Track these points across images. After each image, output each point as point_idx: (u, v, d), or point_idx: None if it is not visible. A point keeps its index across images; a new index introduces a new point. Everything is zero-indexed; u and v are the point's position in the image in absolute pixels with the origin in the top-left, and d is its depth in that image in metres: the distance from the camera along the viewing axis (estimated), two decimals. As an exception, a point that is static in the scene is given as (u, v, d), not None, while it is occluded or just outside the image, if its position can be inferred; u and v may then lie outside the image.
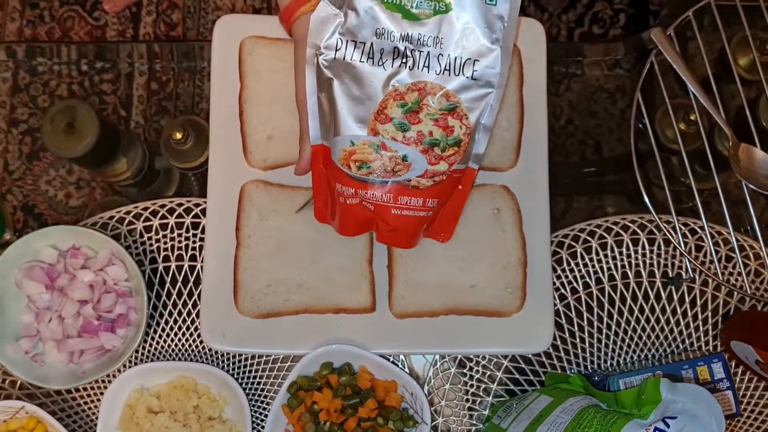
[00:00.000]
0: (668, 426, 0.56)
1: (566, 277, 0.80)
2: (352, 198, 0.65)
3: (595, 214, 0.88)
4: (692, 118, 0.79)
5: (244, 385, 0.78)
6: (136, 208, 0.80)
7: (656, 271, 0.80)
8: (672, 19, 0.79)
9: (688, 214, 0.82)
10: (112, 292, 0.76)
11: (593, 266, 0.80)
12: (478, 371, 0.79)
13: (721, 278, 0.77)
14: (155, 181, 0.89)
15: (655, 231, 0.80)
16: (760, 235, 0.76)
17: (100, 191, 0.91)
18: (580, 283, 0.80)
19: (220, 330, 0.73)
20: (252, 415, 0.76)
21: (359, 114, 0.63)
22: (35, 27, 1.22)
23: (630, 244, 0.80)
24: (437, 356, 0.79)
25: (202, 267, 0.78)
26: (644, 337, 0.80)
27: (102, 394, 0.78)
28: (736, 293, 0.80)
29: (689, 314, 0.80)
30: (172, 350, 0.79)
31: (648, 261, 0.80)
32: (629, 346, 0.80)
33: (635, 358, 0.80)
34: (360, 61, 0.63)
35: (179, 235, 0.80)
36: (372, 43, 0.62)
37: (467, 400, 0.79)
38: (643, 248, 0.80)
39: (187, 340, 0.80)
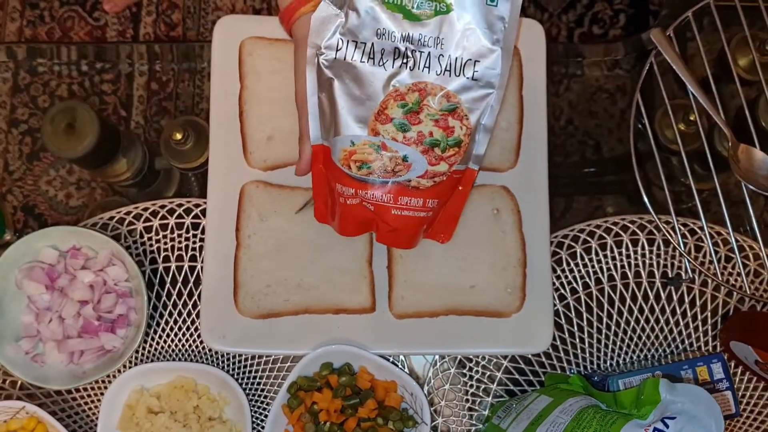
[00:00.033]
0: (667, 426, 0.56)
1: (566, 277, 0.80)
2: (352, 198, 0.65)
3: (594, 215, 0.88)
4: (692, 118, 0.79)
5: (244, 386, 0.78)
6: (137, 208, 0.80)
7: (656, 272, 0.80)
8: (672, 20, 0.79)
9: (688, 214, 0.82)
10: (112, 293, 0.76)
11: (593, 267, 0.80)
12: (477, 371, 0.79)
13: (720, 278, 0.77)
14: (155, 182, 0.89)
15: (655, 231, 0.80)
16: (760, 236, 0.76)
17: (100, 191, 0.91)
18: (579, 283, 0.80)
19: (220, 330, 0.73)
20: (252, 416, 0.76)
21: (360, 114, 0.63)
22: (35, 27, 1.22)
23: (629, 245, 0.80)
24: (437, 356, 0.79)
25: (202, 267, 0.78)
26: (644, 338, 0.80)
27: (102, 394, 0.78)
28: (735, 293, 0.80)
29: (689, 314, 0.80)
30: (172, 351, 0.80)
31: (647, 261, 0.80)
32: (629, 346, 0.80)
33: (635, 358, 0.80)
34: (361, 62, 0.63)
35: (179, 235, 0.80)
36: (373, 44, 0.62)
37: (467, 401, 0.79)
38: (643, 249, 0.80)
39: (187, 340, 0.80)
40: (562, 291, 0.80)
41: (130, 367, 0.76)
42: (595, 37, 1.18)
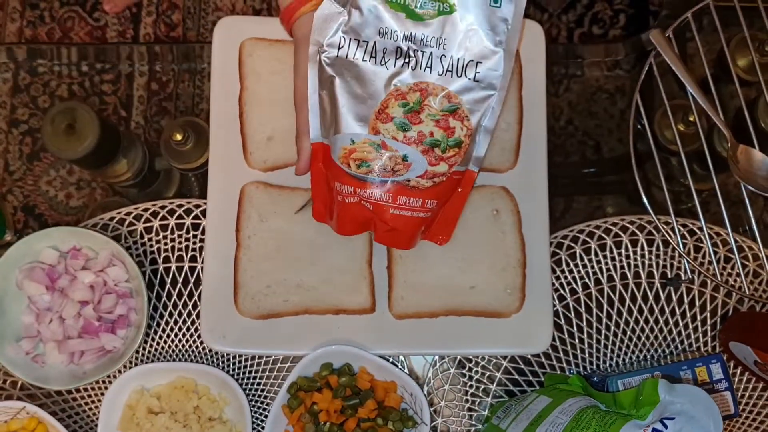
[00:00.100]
0: (666, 427, 0.56)
1: (565, 278, 0.80)
2: (351, 197, 0.65)
3: (594, 215, 0.88)
4: (691, 119, 0.80)
5: (244, 386, 0.78)
6: (137, 209, 0.80)
7: (655, 272, 0.81)
8: (671, 20, 0.79)
9: (687, 215, 0.82)
10: (112, 293, 0.76)
11: (592, 267, 0.80)
12: (477, 372, 0.79)
13: (719, 279, 0.78)
14: (155, 182, 0.89)
15: (654, 232, 0.80)
16: (759, 236, 0.76)
17: (100, 192, 0.91)
18: (579, 284, 0.80)
19: (220, 331, 0.73)
20: (252, 416, 0.76)
21: (360, 112, 0.63)
22: (35, 27, 1.22)
23: (629, 245, 0.81)
24: (437, 357, 0.79)
25: (202, 268, 0.79)
26: (643, 338, 0.80)
27: (102, 394, 0.78)
28: (734, 294, 0.80)
29: (688, 315, 0.80)
30: (173, 351, 0.80)
31: (647, 262, 0.81)
32: (628, 346, 0.80)
33: (634, 358, 0.80)
34: (363, 60, 0.63)
35: (179, 236, 0.80)
36: (375, 42, 0.62)
37: (467, 401, 0.79)
38: (642, 249, 0.81)
39: (187, 340, 0.80)
40: (562, 291, 0.80)
41: (130, 368, 0.77)
42: (595, 38, 1.18)
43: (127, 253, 0.75)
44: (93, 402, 0.80)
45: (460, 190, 0.69)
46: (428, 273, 0.74)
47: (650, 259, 0.81)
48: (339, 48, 0.63)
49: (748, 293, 0.77)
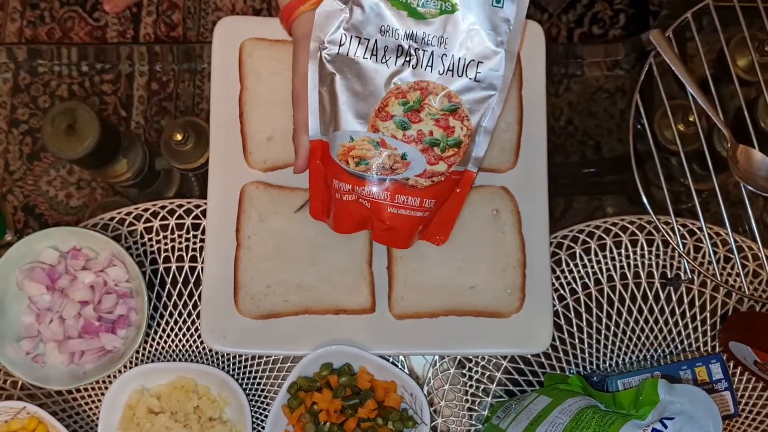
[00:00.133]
0: (666, 427, 0.56)
1: (565, 278, 0.80)
2: (349, 194, 0.65)
3: (594, 215, 0.88)
4: (691, 119, 0.80)
5: (244, 386, 0.78)
6: (137, 209, 0.80)
7: (655, 272, 0.81)
8: (671, 20, 0.79)
9: (687, 214, 0.82)
10: (112, 293, 0.76)
11: (592, 267, 0.80)
12: (477, 372, 0.79)
13: (719, 279, 0.78)
14: (156, 182, 0.89)
15: (654, 232, 0.80)
16: (759, 236, 0.76)
17: (100, 192, 0.91)
18: (578, 284, 0.80)
19: (221, 331, 0.74)
20: (252, 416, 0.76)
21: (360, 110, 0.63)
22: (35, 28, 1.22)
23: (629, 245, 0.81)
24: (437, 357, 0.79)
25: (202, 268, 0.79)
26: (643, 338, 0.80)
27: (103, 394, 0.78)
28: (734, 294, 0.80)
29: (687, 315, 0.80)
30: (173, 351, 0.80)
31: (647, 262, 0.81)
32: (628, 346, 0.80)
33: (634, 358, 0.80)
34: (363, 58, 0.63)
35: (179, 236, 0.80)
36: (376, 40, 0.62)
37: (466, 401, 0.79)
38: (642, 249, 0.81)
39: (187, 340, 0.80)
40: (562, 291, 0.80)
41: (130, 368, 0.77)
42: (595, 37, 1.18)
43: (127, 253, 0.75)
44: (93, 402, 0.80)
45: (458, 190, 0.69)
46: (428, 273, 0.74)
47: (650, 259, 0.81)
48: (340, 45, 0.63)
49: (747, 293, 0.77)
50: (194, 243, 0.80)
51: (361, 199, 0.65)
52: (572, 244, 0.80)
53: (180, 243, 0.80)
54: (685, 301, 0.80)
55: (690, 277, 0.79)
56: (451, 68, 0.63)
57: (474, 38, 0.63)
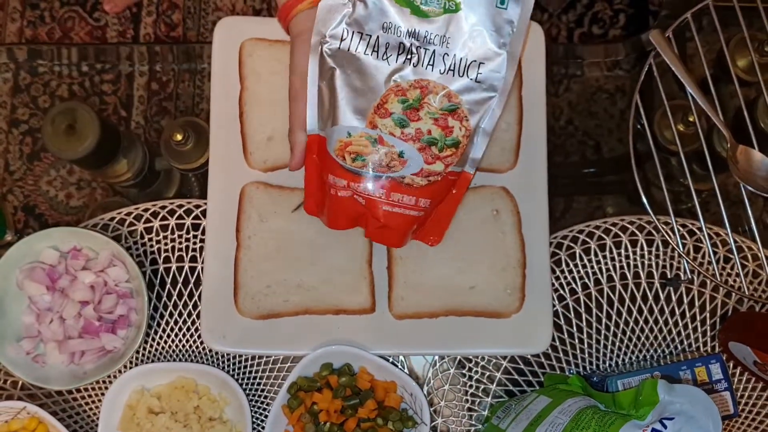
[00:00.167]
0: (665, 427, 0.57)
1: (565, 278, 0.80)
2: (344, 190, 0.65)
3: (594, 215, 0.88)
4: (691, 119, 0.80)
5: (244, 386, 0.79)
6: (137, 209, 0.80)
7: (654, 272, 0.81)
8: (671, 20, 0.79)
9: (687, 215, 0.82)
10: (112, 293, 0.76)
11: (592, 267, 0.80)
12: (477, 372, 0.79)
13: (719, 279, 0.78)
14: (156, 182, 0.90)
15: (654, 232, 0.80)
16: (758, 237, 0.76)
17: (100, 192, 0.91)
18: (578, 284, 0.80)
19: (221, 331, 0.74)
20: (252, 416, 0.76)
21: (359, 106, 0.63)
22: (36, 28, 1.22)
23: (629, 245, 0.81)
24: (437, 357, 0.79)
25: (202, 268, 0.79)
26: (642, 338, 0.80)
27: (103, 394, 0.78)
28: (734, 294, 0.80)
29: (687, 315, 0.80)
30: (173, 351, 0.80)
31: (646, 262, 0.81)
32: (627, 347, 0.80)
33: (633, 359, 0.80)
34: (365, 54, 0.62)
35: (180, 236, 0.80)
36: (378, 37, 0.62)
37: (466, 401, 0.79)
38: (642, 249, 0.81)
39: (187, 341, 0.80)
40: (562, 292, 0.80)
41: (130, 368, 0.77)
42: (594, 37, 1.18)
43: (127, 253, 0.75)
44: (93, 402, 0.80)
45: (454, 191, 0.69)
46: (428, 273, 0.74)
47: (650, 259, 0.81)
48: (341, 40, 0.63)
49: (747, 293, 0.77)
50: (194, 243, 0.80)
51: (356, 195, 0.65)
52: (572, 245, 0.80)
53: (180, 243, 0.80)
54: (685, 301, 0.80)
55: (690, 277, 0.79)
56: (452, 68, 0.62)
57: (476, 39, 0.62)
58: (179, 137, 0.81)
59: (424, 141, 0.63)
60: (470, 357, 0.79)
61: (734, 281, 0.81)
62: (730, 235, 0.76)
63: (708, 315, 0.80)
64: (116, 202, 0.89)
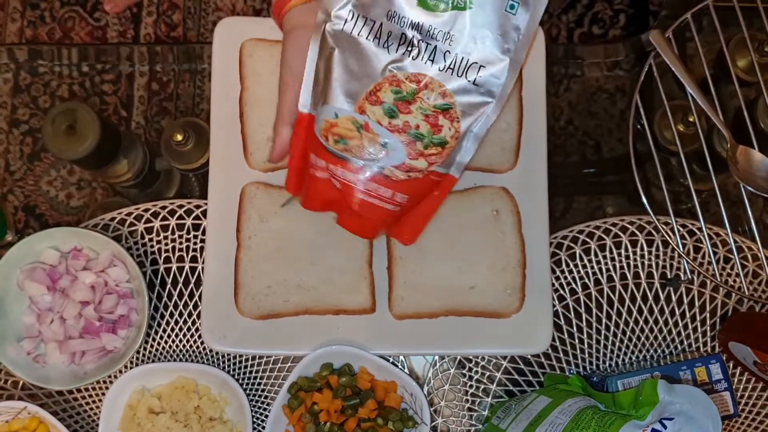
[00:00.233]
0: (665, 427, 0.57)
1: (565, 278, 0.80)
2: (322, 171, 0.64)
3: (594, 215, 0.88)
4: (691, 119, 0.79)
5: (244, 386, 0.79)
6: (137, 209, 0.80)
7: (654, 273, 0.81)
8: (671, 21, 0.79)
9: (687, 215, 0.82)
10: (113, 294, 0.76)
11: (592, 267, 0.80)
12: (477, 372, 0.79)
13: (719, 279, 0.78)
14: (156, 182, 0.90)
15: (654, 232, 0.80)
16: (758, 237, 0.76)
17: (101, 192, 0.91)
18: (578, 284, 0.80)
19: (221, 331, 0.74)
20: (252, 416, 0.76)
21: (352, 89, 0.62)
22: (36, 28, 1.22)
23: (629, 246, 0.81)
24: (437, 357, 0.79)
25: (202, 268, 0.79)
26: (642, 338, 0.80)
27: (103, 394, 0.78)
28: (734, 294, 0.80)
29: (687, 315, 0.80)
30: (173, 351, 0.80)
31: (646, 262, 0.81)
32: (627, 347, 0.80)
33: (633, 359, 0.80)
34: (366, 39, 0.61)
35: (180, 236, 0.81)
36: (381, 24, 0.61)
37: (467, 401, 0.80)
38: (642, 249, 0.81)
39: (188, 341, 0.80)
40: (562, 292, 0.80)
41: (131, 368, 0.77)
42: (595, 37, 1.18)
43: (127, 253, 0.75)
44: (94, 402, 0.80)
45: (436, 193, 0.67)
46: (428, 273, 0.74)
47: (650, 259, 0.81)
48: (345, 22, 0.62)
49: (747, 294, 0.77)
50: (195, 243, 0.80)
51: (333, 178, 0.64)
52: (572, 245, 0.81)
53: (180, 243, 0.80)
54: (685, 301, 0.80)
55: (690, 277, 0.79)
56: (451, 66, 0.61)
57: (480, 41, 0.61)
58: (179, 137, 0.81)
59: (411, 135, 0.62)
60: (470, 357, 0.79)
61: (734, 281, 0.81)
62: (730, 235, 0.76)
63: (708, 315, 0.80)
64: (117, 203, 0.89)
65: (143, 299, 0.75)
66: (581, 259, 0.80)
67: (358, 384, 0.75)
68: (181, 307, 0.80)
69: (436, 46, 0.61)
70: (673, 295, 0.81)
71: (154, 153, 0.88)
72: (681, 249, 0.78)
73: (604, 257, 0.81)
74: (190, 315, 0.80)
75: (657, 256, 0.81)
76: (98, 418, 0.76)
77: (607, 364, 0.80)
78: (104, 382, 0.79)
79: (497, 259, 0.75)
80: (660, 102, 0.79)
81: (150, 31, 1.22)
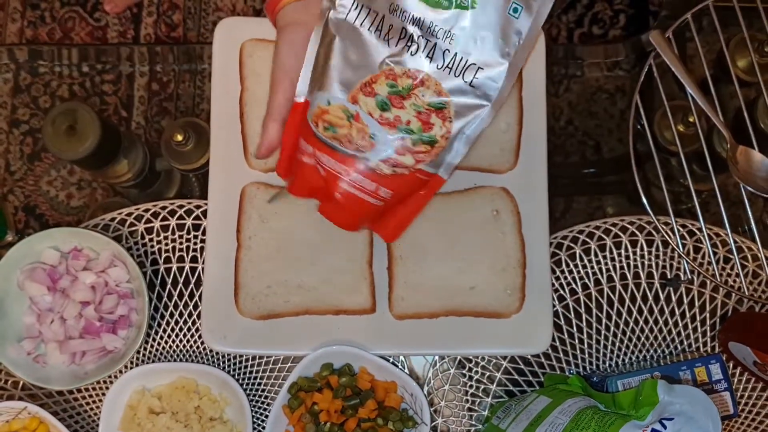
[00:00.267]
0: (665, 427, 0.57)
1: (565, 278, 0.80)
2: (309, 157, 0.64)
3: (594, 215, 0.88)
4: (691, 119, 0.80)
5: (244, 386, 0.79)
6: (138, 209, 0.80)
7: (654, 273, 0.81)
8: (671, 21, 0.79)
9: (687, 215, 0.82)
10: (113, 294, 0.76)
11: (592, 268, 0.80)
12: (477, 372, 0.79)
13: (719, 280, 0.78)
14: (156, 183, 0.90)
15: (654, 232, 0.81)
16: (758, 237, 0.76)
17: (101, 192, 0.91)
18: (578, 284, 0.80)
19: (221, 331, 0.74)
20: (253, 416, 0.76)
21: (348, 78, 0.62)
22: (36, 28, 1.22)
23: (629, 246, 0.81)
24: (437, 357, 0.79)
25: (203, 268, 0.79)
26: (642, 339, 0.80)
27: (104, 394, 0.78)
28: (734, 294, 0.80)
29: (687, 315, 0.80)
30: (174, 351, 0.80)
31: (646, 262, 0.81)
32: (627, 347, 0.80)
33: (633, 359, 0.80)
34: (368, 30, 0.61)
35: (180, 236, 0.81)
36: (384, 16, 0.60)
37: (467, 401, 0.80)
38: (642, 250, 0.81)
39: (188, 341, 0.80)
40: (562, 292, 0.80)
41: (131, 368, 0.77)
42: (595, 38, 1.19)
43: (128, 253, 0.75)
44: (94, 402, 0.80)
45: (422, 192, 0.67)
46: (428, 273, 0.74)
47: (650, 259, 0.81)
48: (348, 11, 0.61)
49: (747, 294, 0.77)
50: (195, 243, 0.80)
51: (318, 165, 0.64)
52: (572, 245, 0.81)
53: (181, 243, 0.81)
54: (685, 301, 0.81)
55: (690, 277, 0.79)
56: (449, 65, 0.61)
57: (481, 42, 0.60)
58: (180, 138, 0.81)
59: (401, 130, 0.62)
60: (470, 357, 0.79)
61: (734, 281, 0.81)
62: (730, 235, 0.76)
63: (708, 315, 0.80)
64: (117, 203, 0.89)
65: (143, 299, 0.75)
66: (581, 259, 0.80)
67: (359, 384, 0.75)
68: (181, 307, 0.80)
69: (435, 44, 0.60)
70: (673, 295, 0.81)
71: (154, 153, 0.88)
72: (681, 249, 0.78)
73: (604, 257, 0.81)
74: (190, 315, 0.80)
75: (657, 257, 0.81)
76: (98, 418, 0.76)
77: (607, 364, 0.80)
78: (104, 382, 0.79)
79: (497, 259, 0.75)
80: (660, 102, 0.79)
81: (150, 32, 1.22)
